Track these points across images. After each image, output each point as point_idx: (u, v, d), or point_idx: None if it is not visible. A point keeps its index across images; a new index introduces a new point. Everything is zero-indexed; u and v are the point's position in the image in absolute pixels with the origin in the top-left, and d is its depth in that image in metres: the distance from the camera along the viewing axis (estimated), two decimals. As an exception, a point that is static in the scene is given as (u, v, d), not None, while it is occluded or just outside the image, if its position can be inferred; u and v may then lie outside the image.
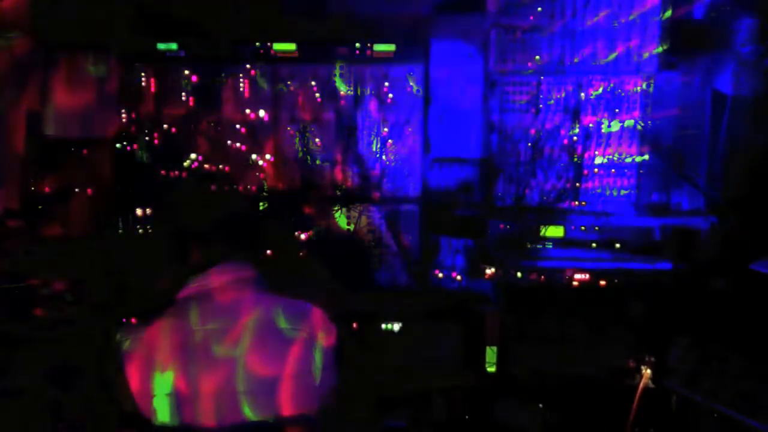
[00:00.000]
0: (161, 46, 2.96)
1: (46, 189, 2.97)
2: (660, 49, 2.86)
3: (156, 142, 2.99)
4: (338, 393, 1.90)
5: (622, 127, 2.93)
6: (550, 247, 2.93)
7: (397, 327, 2.81)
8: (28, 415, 2.41)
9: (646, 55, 2.87)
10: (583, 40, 2.90)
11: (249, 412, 1.73)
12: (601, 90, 2.92)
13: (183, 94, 2.99)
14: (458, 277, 2.98)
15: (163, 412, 1.74)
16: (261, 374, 1.75)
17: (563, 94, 2.94)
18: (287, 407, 1.74)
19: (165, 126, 2.99)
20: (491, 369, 2.80)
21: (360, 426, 2.55)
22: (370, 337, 2.79)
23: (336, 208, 3.00)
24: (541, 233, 2.93)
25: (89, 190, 2.99)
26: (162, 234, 2.85)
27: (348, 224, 3.01)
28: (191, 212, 2.02)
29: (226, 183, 2.96)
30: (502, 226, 2.95)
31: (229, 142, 3.00)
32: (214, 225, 1.95)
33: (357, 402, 2.47)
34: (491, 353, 2.80)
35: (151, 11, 2.95)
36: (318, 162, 3.01)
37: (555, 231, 2.93)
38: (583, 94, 2.93)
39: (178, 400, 1.73)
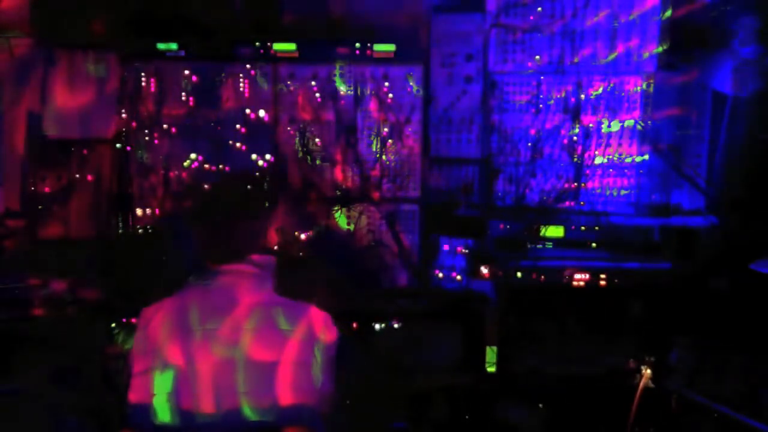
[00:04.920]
0: (161, 46, 2.96)
1: (46, 189, 2.97)
2: (660, 49, 2.86)
3: (156, 142, 2.99)
4: (343, 394, 1.91)
5: (622, 127, 2.93)
6: (550, 247, 2.93)
7: (397, 327, 2.81)
8: (28, 415, 2.41)
9: (646, 55, 2.87)
10: (583, 40, 2.90)
11: (247, 402, 1.73)
12: (601, 90, 2.92)
13: (183, 94, 2.99)
14: (458, 277, 2.98)
15: (163, 411, 1.74)
16: (260, 361, 1.76)
17: (563, 94, 2.94)
18: (286, 395, 1.75)
19: (165, 126, 2.99)
20: (491, 369, 2.80)
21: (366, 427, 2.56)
22: (370, 337, 2.79)
23: (336, 208, 3.00)
24: (541, 233, 2.93)
25: (89, 191, 2.99)
26: (165, 232, 2.86)
27: (348, 224, 3.01)
28: (195, 210, 2.03)
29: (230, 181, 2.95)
30: (502, 226, 2.95)
31: (229, 142, 3.00)
32: (217, 222, 1.95)
33: (363, 403, 2.48)
34: (491, 353, 2.80)
35: (151, 11, 2.95)
36: (318, 162, 3.01)
37: (555, 231, 2.93)
38: (583, 95, 2.93)
39: (178, 395, 1.74)
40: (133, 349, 1.85)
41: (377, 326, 2.81)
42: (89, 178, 3.00)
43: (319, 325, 1.86)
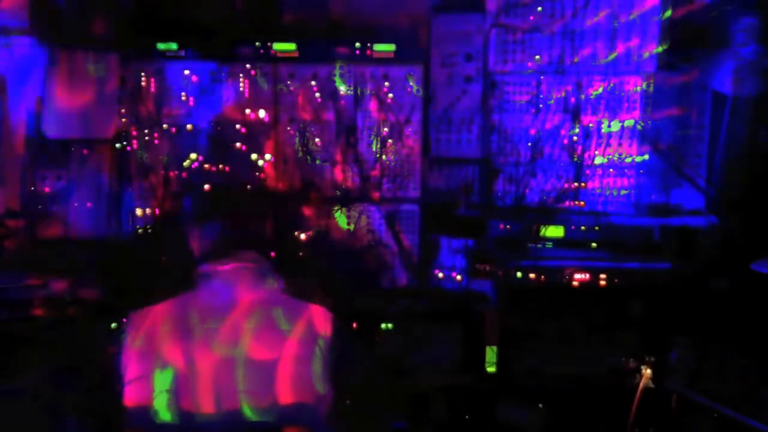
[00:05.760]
0: (161, 46, 2.96)
1: (46, 189, 2.97)
2: (660, 49, 2.86)
3: (156, 142, 2.99)
4: (344, 394, 1.91)
5: (622, 127, 2.93)
6: (550, 247, 2.93)
7: (397, 327, 2.81)
8: (28, 415, 2.41)
9: (646, 55, 2.87)
10: (583, 40, 2.90)
11: (247, 401, 1.74)
12: (601, 90, 2.92)
13: (183, 94, 2.99)
14: (458, 277, 2.98)
15: (163, 411, 1.74)
16: (260, 360, 1.76)
17: (563, 94, 2.94)
18: (286, 395, 1.75)
19: (165, 126, 2.99)
20: (491, 369, 2.80)
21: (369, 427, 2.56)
22: (370, 337, 2.80)
23: (336, 208, 3.00)
24: (541, 233, 2.93)
25: (89, 191, 2.99)
26: (165, 232, 2.86)
27: (348, 224, 3.01)
28: (196, 209, 2.04)
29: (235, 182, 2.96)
30: (502, 226, 2.95)
31: (229, 142, 3.00)
32: (219, 222, 1.96)
33: (363, 403, 2.48)
34: (491, 353, 2.80)
35: (151, 11, 2.95)
36: (318, 162, 3.01)
37: (555, 231, 2.93)
38: (583, 95, 2.93)
39: (178, 395, 1.74)
40: (129, 350, 1.84)
41: (377, 326, 2.81)
42: (89, 178, 3.00)
43: (320, 323, 1.87)
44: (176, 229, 2.82)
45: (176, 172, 2.99)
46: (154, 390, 1.76)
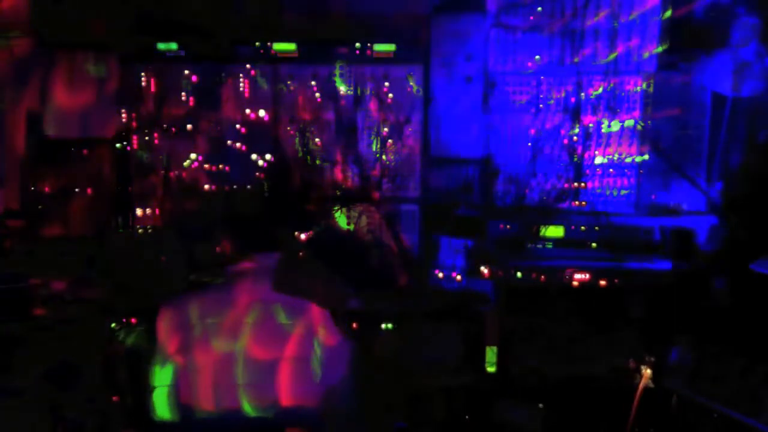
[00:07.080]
0: (161, 46, 2.97)
1: (46, 189, 2.97)
2: (660, 49, 2.86)
3: (156, 142, 2.99)
4: (349, 394, 1.92)
5: (622, 127, 2.93)
6: (550, 247, 2.93)
7: (397, 327, 2.81)
8: (28, 415, 2.41)
9: (646, 55, 2.87)
10: (583, 40, 2.90)
11: (248, 398, 1.74)
12: (601, 90, 2.92)
13: (183, 94, 2.99)
14: (458, 277, 2.98)
15: (162, 407, 1.74)
16: (260, 360, 1.76)
17: (563, 94, 2.94)
18: (286, 393, 1.75)
19: (165, 126, 2.99)
20: (491, 369, 2.80)
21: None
22: (370, 337, 2.79)
23: (336, 208, 3.00)
24: (541, 233, 2.93)
25: (89, 190, 2.99)
26: (170, 232, 2.87)
27: (348, 224, 3.01)
28: (207, 212, 2.05)
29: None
30: (502, 226, 2.95)
31: (229, 142, 3.00)
32: (229, 223, 1.97)
33: (363, 403, 2.48)
34: (491, 353, 2.80)
35: (151, 12, 2.96)
36: (318, 162, 3.01)
37: (555, 231, 2.93)
38: (583, 94, 2.93)
39: (178, 390, 1.74)
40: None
41: (377, 326, 2.80)
42: (89, 177, 3.00)
43: (319, 322, 1.87)
44: (183, 230, 2.83)
45: (176, 172, 2.99)
46: (154, 384, 1.77)
